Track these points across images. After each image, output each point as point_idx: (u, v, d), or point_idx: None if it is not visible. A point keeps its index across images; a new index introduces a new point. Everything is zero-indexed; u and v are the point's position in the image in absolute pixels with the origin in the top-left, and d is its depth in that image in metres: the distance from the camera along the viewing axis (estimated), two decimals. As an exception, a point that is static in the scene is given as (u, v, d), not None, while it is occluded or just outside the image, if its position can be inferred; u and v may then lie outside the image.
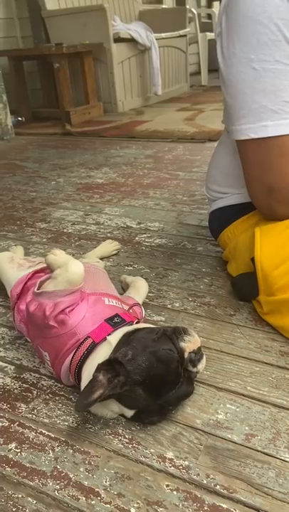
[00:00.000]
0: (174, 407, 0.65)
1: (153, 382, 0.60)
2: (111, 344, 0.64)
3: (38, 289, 0.70)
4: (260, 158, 0.77)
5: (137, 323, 0.71)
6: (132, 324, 0.69)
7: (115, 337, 0.65)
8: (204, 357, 0.66)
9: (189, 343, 0.63)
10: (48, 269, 0.79)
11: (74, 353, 0.66)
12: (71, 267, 0.68)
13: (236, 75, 0.73)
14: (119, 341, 0.64)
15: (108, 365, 0.60)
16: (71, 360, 0.66)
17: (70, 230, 1.35)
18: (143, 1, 4.14)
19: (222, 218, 0.98)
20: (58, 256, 0.72)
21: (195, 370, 0.64)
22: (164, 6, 4.63)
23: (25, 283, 0.82)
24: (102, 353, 0.63)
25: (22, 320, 0.78)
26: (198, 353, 0.64)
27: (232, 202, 0.96)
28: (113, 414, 0.65)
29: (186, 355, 0.62)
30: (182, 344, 0.63)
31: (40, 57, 3.10)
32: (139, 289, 0.91)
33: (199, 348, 0.65)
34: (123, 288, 0.97)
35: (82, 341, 0.65)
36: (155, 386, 0.60)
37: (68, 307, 0.67)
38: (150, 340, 0.62)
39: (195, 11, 4.26)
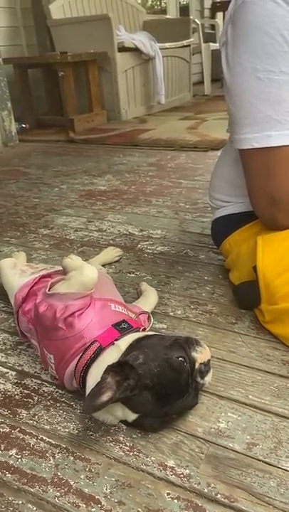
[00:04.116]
0: (177, 416, 0.65)
1: (163, 388, 0.60)
2: (120, 348, 0.64)
3: (49, 290, 0.70)
4: (263, 167, 0.77)
5: (143, 330, 0.72)
6: (138, 331, 0.70)
7: (125, 342, 0.65)
8: (211, 370, 0.67)
9: (201, 354, 0.64)
10: (55, 275, 0.80)
11: (80, 357, 0.66)
12: (86, 270, 0.70)
13: (241, 85, 0.74)
14: (129, 346, 0.64)
15: (118, 368, 0.60)
16: (76, 363, 0.66)
17: (72, 237, 1.35)
18: (147, 11, 4.19)
19: (225, 226, 0.99)
20: (74, 260, 0.73)
21: (202, 382, 0.65)
22: (168, 17, 4.68)
23: (32, 287, 0.82)
24: (111, 357, 0.63)
25: (30, 321, 0.78)
26: (207, 365, 0.65)
27: (235, 210, 0.96)
28: (114, 420, 0.65)
29: (196, 365, 0.63)
30: (194, 354, 0.64)
31: (45, 66, 3.13)
32: (148, 300, 0.92)
33: (209, 361, 0.66)
34: (138, 294, 0.98)
35: (89, 345, 0.66)
36: (164, 393, 0.60)
37: (78, 311, 0.68)
38: (162, 347, 0.63)
39: (199, 22, 4.31)
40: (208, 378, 0.66)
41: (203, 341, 0.68)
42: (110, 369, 0.59)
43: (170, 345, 0.63)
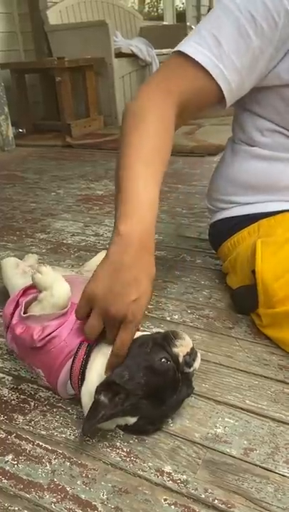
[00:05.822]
0: (175, 410, 0.66)
1: (155, 393, 0.60)
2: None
3: (24, 313, 0.69)
4: (164, 64, 0.80)
5: None
6: None
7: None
8: (198, 354, 0.65)
9: (182, 347, 0.63)
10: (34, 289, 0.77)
11: (72, 361, 0.65)
12: (56, 291, 0.67)
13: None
14: None
15: (106, 386, 0.60)
16: (71, 369, 0.65)
17: (69, 241, 1.35)
18: (144, 17, 4.21)
19: (223, 229, 0.98)
20: (44, 275, 0.69)
21: (191, 369, 0.64)
22: (164, 23, 4.71)
23: (17, 301, 0.80)
24: (103, 355, 0.63)
25: (13, 339, 0.77)
26: (191, 354, 0.64)
27: (234, 213, 0.96)
28: (112, 425, 0.64)
29: (180, 359, 0.62)
30: (175, 350, 0.63)
31: (43, 71, 3.14)
32: None
33: (192, 349, 0.65)
34: None
35: (78, 349, 0.65)
36: (157, 396, 0.61)
37: (56, 330, 0.66)
38: (143, 354, 0.62)
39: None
40: (196, 364, 0.64)
41: (200, 345, 0.68)
42: (100, 389, 0.59)
43: (150, 350, 0.62)
